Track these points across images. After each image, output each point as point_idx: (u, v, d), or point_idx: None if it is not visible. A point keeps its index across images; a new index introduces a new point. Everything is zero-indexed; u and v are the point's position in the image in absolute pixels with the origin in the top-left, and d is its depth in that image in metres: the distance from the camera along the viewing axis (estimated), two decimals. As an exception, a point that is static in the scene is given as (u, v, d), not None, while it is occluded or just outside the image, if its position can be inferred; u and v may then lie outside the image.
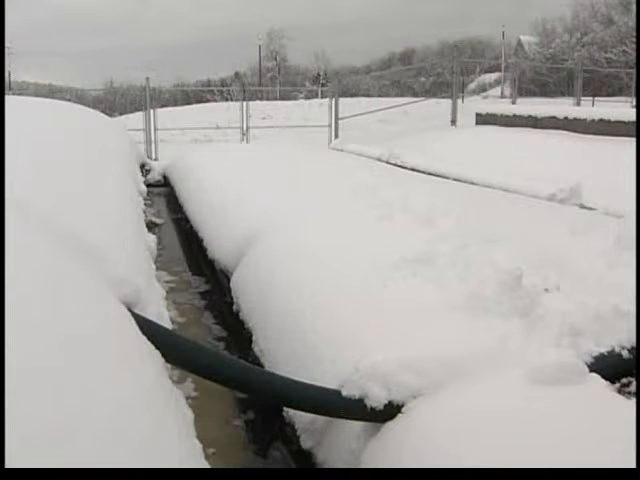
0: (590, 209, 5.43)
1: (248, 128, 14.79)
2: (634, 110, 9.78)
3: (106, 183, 4.89)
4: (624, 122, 9.78)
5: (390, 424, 2.29)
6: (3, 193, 2.28)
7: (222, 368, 2.51)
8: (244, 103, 14.83)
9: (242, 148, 11.36)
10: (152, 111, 13.82)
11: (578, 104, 16.56)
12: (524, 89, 25.45)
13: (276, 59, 56.13)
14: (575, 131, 10.32)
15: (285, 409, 2.94)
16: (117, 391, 1.72)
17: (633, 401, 2.34)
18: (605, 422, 2.08)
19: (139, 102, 15.27)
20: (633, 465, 1.74)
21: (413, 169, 8.55)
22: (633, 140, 9.09)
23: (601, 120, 10.21)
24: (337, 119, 14.77)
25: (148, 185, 9.45)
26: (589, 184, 5.87)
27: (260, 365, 3.30)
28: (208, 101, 30.04)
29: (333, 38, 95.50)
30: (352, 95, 26.11)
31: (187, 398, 3.33)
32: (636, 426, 1.79)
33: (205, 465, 2.09)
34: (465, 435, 2.06)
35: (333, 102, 14.95)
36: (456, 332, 2.61)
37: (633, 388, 2.58)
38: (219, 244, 5.22)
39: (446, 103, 14.84)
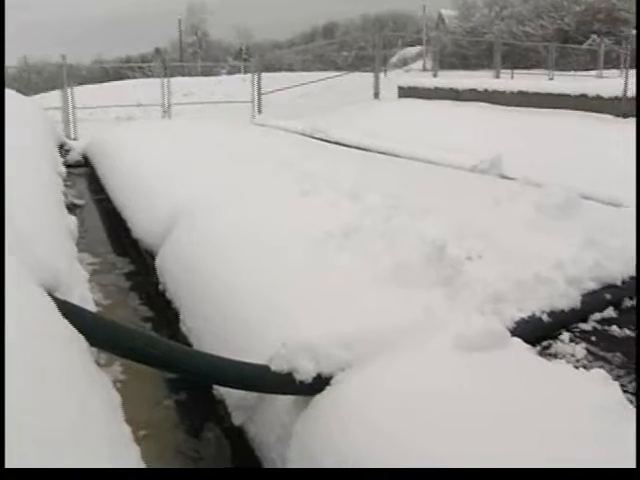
0: (510, 179, 5.56)
1: (170, 105, 14.51)
2: (551, 82, 10.06)
3: (21, 164, 4.71)
4: (542, 94, 10.06)
5: (319, 397, 2.30)
6: (3, 193, 2.21)
7: (149, 349, 2.46)
8: (165, 80, 14.52)
9: (164, 126, 11.13)
10: (69, 89, 13.38)
11: (498, 77, 16.89)
12: (445, 62, 25.75)
13: (197, 34, 55.10)
14: (495, 103, 10.55)
15: (215, 387, 2.93)
16: (37, 377, 1.67)
17: (553, 362, 2.43)
18: (528, 382, 2.15)
19: (56, 80, 14.74)
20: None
21: (337, 143, 8.56)
22: (551, 111, 9.38)
23: (520, 92, 10.46)
24: (260, 94, 14.65)
25: (68, 166, 9.16)
26: (509, 154, 6.00)
27: (188, 344, 3.27)
28: (128, 78, 29.28)
29: (255, 12, 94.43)
30: (275, 70, 25.88)
31: (115, 381, 3.28)
32: (636, 426, 1.82)
33: (134, 448, 2.06)
34: (391, 407, 2.08)
35: (256, 77, 14.80)
36: (383, 304, 2.64)
37: (553, 350, 2.68)
38: (143, 224, 5.12)
39: (369, 77, 14.89)
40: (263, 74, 15.21)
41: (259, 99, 14.63)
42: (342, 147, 8.08)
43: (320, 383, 2.33)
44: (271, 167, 5.41)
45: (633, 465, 1.76)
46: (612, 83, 9.48)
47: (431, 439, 1.92)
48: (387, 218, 3.44)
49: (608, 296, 3.06)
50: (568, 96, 9.62)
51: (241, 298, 3.14)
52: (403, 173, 5.42)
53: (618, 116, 8.83)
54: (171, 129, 9.90)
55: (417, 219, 3.35)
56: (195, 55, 50.01)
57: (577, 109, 9.28)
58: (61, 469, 1.45)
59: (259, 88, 14.70)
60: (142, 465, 2.07)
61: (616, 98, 8.93)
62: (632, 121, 8.46)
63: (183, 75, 24.75)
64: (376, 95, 14.29)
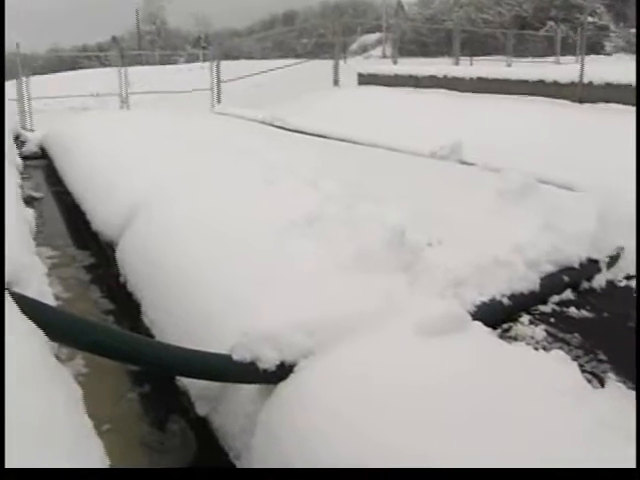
0: (470, 164, 5.60)
1: (128, 95, 14.31)
2: (509, 68, 10.16)
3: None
4: (500, 80, 10.15)
5: (283, 385, 2.31)
6: (3, 192, 2.16)
7: (111, 342, 2.43)
8: (123, 69, 14.31)
9: (122, 116, 10.98)
10: (24, 79, 13.11)
11: (457, 64, 16.98)
12: (405, 49, 25.84)
13: (155, 22, 54.33)
14: (454, 89, 10.62)
15: (178, 378, 2.91)
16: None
17: (513, 344, 2.46)
18: (488, 365, 2.18)
19: (10, 70, 14.43)
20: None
21: (298, 131, 8.54)
22: (509, 97, 9.48)
23: (479, 78, 10.55)
24: (219, 83, 14.53)
25: (24, 157, 8.99)
26: (469, 140, 6.05)
27: (151, 336, 3.25)
28: (85, 68, 28.79)
29: (213, 0, 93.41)
30: (234, 58, 25.69)
31: (77, 376, 3.25)
32: (636, 425, 1.83)
33: (96, 441, 2.04)
34: (352, 394, 2.09)
35: (215, 66, 14.67)
36: (345, 291, 2.65)
37: (513, 333, 2.72)
38: (102, 216, 5.05)
39: (329, 64, 14.86)
40: (222, 62, 15.08)
41: (218, 88, 14.51)
42: (302, 135, 8.07)
43: (283, 371, 2.34)
44: (231, 156, 5.38)
45: (594, 442, 1.80)
46: (569, 69, 9.59)
47: (390, 426, 1.94)
48: (348, 205, 3.44)
49: (566, 278, 3.12)
50: (526, 82, 9.72)
51: (203, 289, 3.13)
52: (364, 160, 5.44)
53: (575, 101, 8.95)
54: (130, 119, 9.77)
55: (378, 206, 3.35)
56: (153, 44, 49.37)
57: (535, 95, 9.38)
58: (61, 469, 1.44)
59: (218, 77, 14.57)
60: (105, 459, 2.05)
61: (572, 84, 9.04)
62: (588, 106, 8.61)
63: (141, 64, 24.45)
64: (336, 82, 14.27)
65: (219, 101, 14.25)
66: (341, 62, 15.13)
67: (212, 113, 12.99)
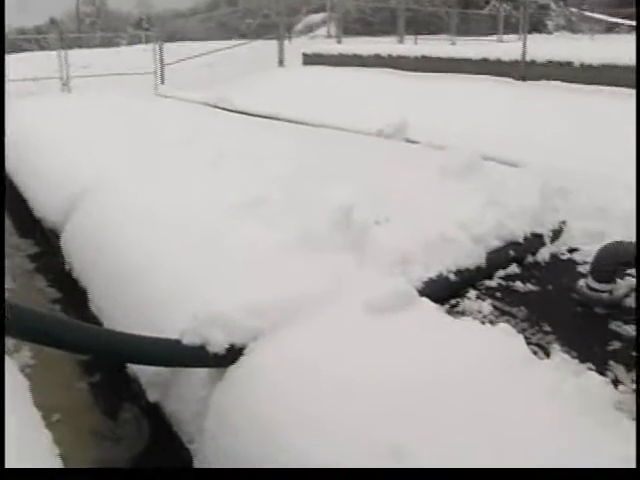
0: (415, 143, 5.63)
1: (69, 78, 13.95)
2: (453, 47, 10.23)
3: None
4: (444, 59, 10.21)
5: (233, 368, 2.30)
6: (3, 193, 2.09)
7: (57, 331, 2.37)
8: (63, 52, 13.93)
9: (63, 100, 10.71)
10: (-42, 64, 12.66)
11: (402, 42, 17.01)
12: (349, 29, 25.73)
13: (94, 4, 52.97)
14: (399, 68, 10.65)
15: (129, 365, 2.88)
16: None
17: (461, 319, 2.50)
18: (436, 340, 2.21)
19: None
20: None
21: (243, 112, 8.45)
22: (453, 75, 9.55)
23: (423, 57, 10.59)
24: (162, 65, 14.28)
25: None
26: (414, 119, 6.08)
27: (99, 324, 3.20)
28: (23, 51, 27.97)
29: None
30: (178, 40, 25.24)
31: (24, 367, 3.19)
32: (636, 424, 1.86)
33: (45, 432, 2.01)
34: (302, 375, 2.11)
35: (157, 47, 14.41)
36: (293, 271, 2.65)
37: (461, 308, 2.76)
38: (45, 203, 4.94)
39: (273, 45, 14.73)
40: (165, 44, 14.81)
41: (162, 70, 14.25)
42: (248, 116, 7.99)
43: (234, 354, 2.33)
44: (176, 140, 5.30)
45: (542, 410, 1.85)
46: (512, 47, 9.69)
47: (339, 407, 1.96)
48: (295, 186, 3.43)
49: (511, 253, 3.17)
50: (470, 61, 9.80)
51: (151, 274, 3.09)
52: (310, 140, 5.42)
53: (517, 79, 9.06)
54: (70, 104, 9.54)
55: (325, 186, 3.36)
56: (93, 26, 48.13)
57: (479, 73, 9.47)
58: (61, 469, 1.41)
59: (161, 59, 14.31)
60: (54, 449, 2.02)
61: (516, 62, 9.15)
62: (531, 84, 8.73)
63: (81, 47, 23.83)
64: (281, 63, 14.16)
65: (163, 83, 14.00)
66: (286, 42, 15.02)
67: (156, 96, 12.77)
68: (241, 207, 3.32)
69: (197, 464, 2.35)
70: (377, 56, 11.31)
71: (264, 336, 2.33)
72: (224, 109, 8.90)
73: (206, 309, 2.44)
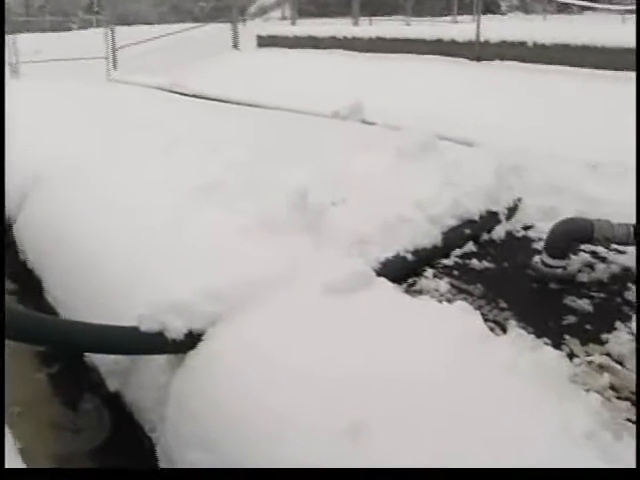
0: (371, 124, 5.64)
1: (18, 64, 13.62)
2: (408, 27, 10.24)
3: None
4: (400, 39, 10.21)
5: (192, 354, 2.29)
6: (3, 184, 2.04)
7: (13, 323, 2.32)
8: (11, 36, 13.57)
9: (12, 87, 10.46)
10: None
11: (356, 24, 16.97)
12: (304, 10, 25.56)
13: (43, -13, 51.76)
14: (355, 50, 10.61)
15: (87, 355, 2.85)
16: None
17: (418, 298, 2.52)
18: (394, 319, 2.23)
19: None
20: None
21: (198, 96, 8.36)
22: (408, 56, 9.56)
23: (378, 38, 10.57)
24: (115, 49, 14.02)
25: None
26: (370, 100, 6.07)
27: (55, 314, 3.15)
28: (-31, 37, 27.14)
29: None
30: (130, 23, 24.81)
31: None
32: (636, 425, 1.88)
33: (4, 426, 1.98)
34: (263, 360, 2.11)
35: (109, 31, 14.13)
36: (251, 255, 2.63)
37: (418, 287, 2.78)
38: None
39: (227, 27, 14.56)
40: (118, 28, 14.54)
41: (114, 54, 14.00)
42: (203, 100, 7.91)
43: (192, 339, 2.32)
44: (131, 125, 5.22)
45: (500, 384, 1.88)
46: (466, 28, 9.72)
47: (297, 391, 1.97)
48: (251, 170, 3.41)
49: (467, 231, 3.20)
50: (424, 41, 9.80)
51: (108, 262, 3.05)
52: (266, 123, 5.38)
53: (472, 60, 9.11)
54: (21, 90, 9.32)
55: (281, 168, 3.35)
56: (42, 9, 47.04)
57: (433, 54, 9.48)
58: (61, 469, 1.38)
59: (113, 42, 14.05)
60: (13, 443, 2.00)
61: (470, 42, 9.18)
62: (485, 64, 8.78)
63: (30, 31, 23.26)
64: (235, 46, 14.01)
65: (115, 68, 13.76)
66: (240, 25, 14.87)
67: (109, 81, 12.55)
68: (198, 192, 3.28)
69: (159, 452, 2.34)
70: (332, 38, 11.25)
71: (222, 321, 2.32)
72: (179, 93, 8.80)
73: (164, 295, 2.42)
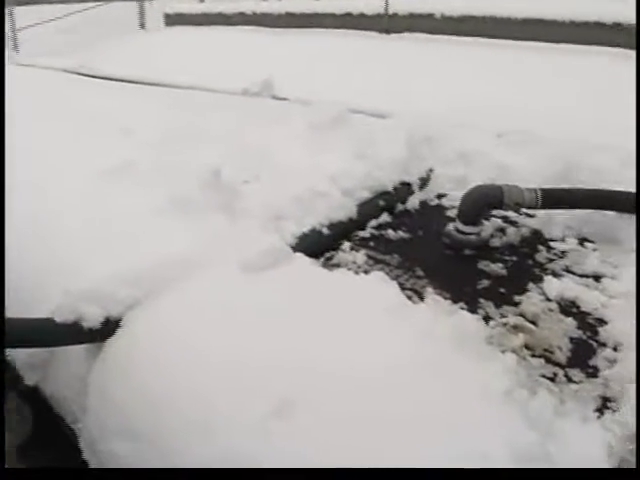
0: (282, 99, 5.60)
1: None
2: (317, 2, 10.18)
3: None
4: (309, 14, 10.19)
5: (111, 341, 2.24)
6: (3, 188, 1.89)
7: None
8: None
9: None
10: None
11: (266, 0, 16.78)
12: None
13: None
14: (265, 26, 10.53)
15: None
16: None
17: (336, 271, 2.53)
18: (313, 293, 2.25)
19: None
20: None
21: (106, 78, 8.11)
22: (318, 30, 9.54)
23: (288, 14, 10.51)
24: (15, 31, 13.44)
25: None
26: (281, 76, 6.04)
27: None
28: None
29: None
30: (31, 3, 23.80)
31: None
32: (636, 426, 1.88)
33: None
34: (183, 343, 2.09)
35: (8, 12, 13.52)
36: (166, 236, 2.59)
37: (336, 260, 2.80)
38: None
39: (133, 6, 14.15)
40: (17, 8, 13.92)
41: (14, 36, 13.42)
42: (112, 82, 7.69)
43: (110, 327, 2.26)
44: (40, 107, 5.03)
45: (418, 350, 1.91)
46: (374, 1, 9.75)
47: (217, 374, 1.96)
48: (163, 150, 3.35)
49: (382, 203, 3.24)
50: (333, 15, 9.80)
51: (18, 251, 2.94)
52: (176, 103, 5.28)
53: (381, 32, 9.17)
54: None
55: (193, 147, 3.30)
56: None
57: (343, 27, 9.50)
58: (60, 469, 1.31)
59: (13, 24, 13.46)
60: None
61: (379, 15, 9.23)
62: (394, 36, 8.86)
63: None
64: (142, 25, 13.65)
65: (17, 51, 13.20)
66: (146, 3, 14.47)
67: (10, 64, 12.03)
68: (109, 174, 3.20)
69: (82, 444, 2.29)
70: (241, 14, 11.12)
71: (140, 306, 2.28)
72: (87, 75, 8.51)
73: (78, 283, 2.35)
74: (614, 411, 1.97)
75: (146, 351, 2.11)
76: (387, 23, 9.12)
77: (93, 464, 2.17)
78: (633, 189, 3.13)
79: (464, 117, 4.28)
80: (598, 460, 1.76)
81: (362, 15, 9.56)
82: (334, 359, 1.90)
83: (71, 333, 2.27)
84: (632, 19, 6.72)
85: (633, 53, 6.57)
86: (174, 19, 12.46)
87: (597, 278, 2.71)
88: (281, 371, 1.89)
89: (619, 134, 3.93)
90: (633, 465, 1.74)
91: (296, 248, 2.56)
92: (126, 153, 3.43)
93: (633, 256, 2.84)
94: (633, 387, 2.05)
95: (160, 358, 2.06)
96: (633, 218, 3.04)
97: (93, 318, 2.24)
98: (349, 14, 9.71)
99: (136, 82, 7.48)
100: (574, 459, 1.73)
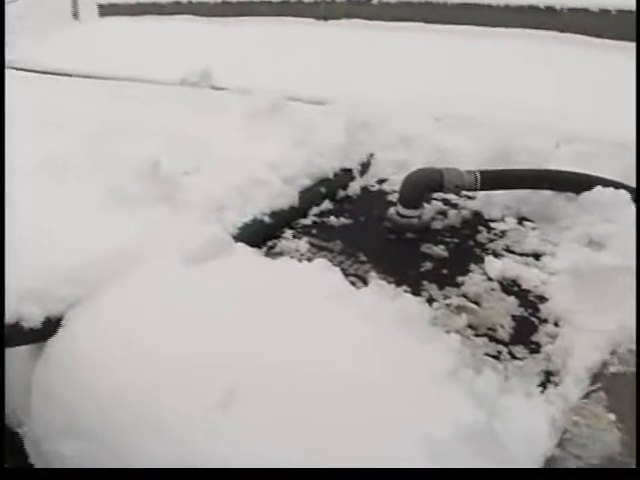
0: (221, 89, 5.54)
1: None
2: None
3: None
4: (244, 2, 10.08)
5: (53, 341, 2.20)
6: (3, 184, 2.20)
7: None
8: None
9: None
10: None
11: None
12: (146, -24, 24.68)
13: None
14: (201, 15, 10.39)
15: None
16: None
17: (279, 260, 2.53)
18: (256, 282, 2.24)
19: None
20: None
21: (39, 72, 7.88)
22: (255, 19, 9.46)
23: (224, 2, 10.38)
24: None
25: None
26: (219, 64, 5.97)
27: None
28: None
29: None
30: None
31: None
32: (636, 427, 1.87)
33: None
34: (125, 340, 2.06)
35: None
36: (105, 231, 2.53)
37: (278, 249, 2.80)
38: None
39: (64, -4, 13.79)
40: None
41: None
42: (44, 75, 7.49)
43: (51, 326, 2.22)
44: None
45: (361, 334, 1.93)
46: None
47: (162, 369, 1.94)
48: (100, 143, 3.28)
49: (323, 190, 3.24)
50: (270, 3, 9.72)
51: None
52: (113, 95, 5.18)
53: (319, 19, 9.15)
54: None
55: (130, 140, 3.24)
56: None
57: (281, 15, 9.45)
58: (61, 469, 1.50)
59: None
60: None
61: (316, 2, 9.20)
62: (332, 23, 8.85)
63: None
64: (75, 15, 13.30)
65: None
66: (78, -7, 14.11)
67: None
68: (43, 170, 3.11)
69: (28, 446, 2.25)
70: (177, 3, 10.94)
71: (81, 303, 2.24)
72: (18, 69, 8.28)
73: (17, 282, 2.29)
74: (557, 385, 2.03)
75: (89, 349, 2.08)
76: (324, 10, 9.10)
77: (39, 466, 2.14)
78: (567, 168, 3.22)
79: (403, 102, 4.32)
80: (542, 434, 1.80)
81: (299, 2, 9.51)
82: (279, 349, 1.90)
83: (11, 334, 2.21)
84: (565, 3, 6.89)
85: (566, 36, 6.74)
86: (108, 9, 12.18)
87: (537, 256, 2.78)
88: (226, 364, 1.88)
89: (551, 115, 4.03)
90: (574, 437, 1.79)
91: (238, 238, 2.55)
92: (59, 147, 3.35)
93: (569, 233, 2.92)
94: (574, 360, 2.12)
95: (103, 356, 2.03)
96: (569, 196, 3.12)
97: (34, 318, 2.19)
98: (286, 1, 9.65)
99: (70, 75, 7.31)
100: (519, 435, 1.77)
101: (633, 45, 6.15)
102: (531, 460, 1.72)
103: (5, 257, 2.57)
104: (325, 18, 9.12)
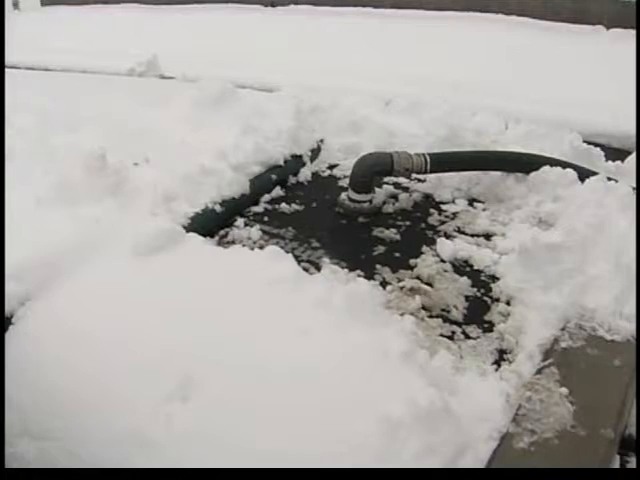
0: (169, 78, 5.48)
1: None
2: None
3: None
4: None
5: (6, 338, 2.14)
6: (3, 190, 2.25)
7: None
8: None
9: None
10: None
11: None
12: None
13: None
14: (146, 2, 10.26)
15: None
16: None
17: (231, 248, 2.50)
18: (208, 271, 2.22)
19: None
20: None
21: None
22: (203, 6, 9.37)
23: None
24: None
25: None
26: (165, 53, 5.90)
27: None
28: None
29: None
30: None
31: None
32: (636, 424, 1.89)
33: None
34: (76, 335, 2.03)
35: None
36: (52, 226, 2.46)
37: (230, 238, 2.78)
38: None
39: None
40: None
41: None
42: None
43: (3, 324, 2.16)
44: None
45: (313, 318, 1.92)
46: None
47: (118, 362, 1.92)
48: (43, 136, 3.18)
49: (274, 177, 3.22)
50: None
51: None
52: (56, 86, 5.05)
53: (267, 6, 9.12)
54: None
55: (75, 132, 3.16)
56: None
57: (227, 2, 9.38)
58: (61, 469, 1.51)
59: None
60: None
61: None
62: (280, 9, 8.84)
63: None
64: (16, 4, 12.95)
65: None
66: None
67: None
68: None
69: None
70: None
71: (31, 300, 2.18)
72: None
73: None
74: (510, 362, 2.06)
75: (41, 346, 2.04)
76: (272, -5, 9.08)
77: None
78: (514, 149, 3.26)
79: (351, 86, 4.31)
80: (497, 411, 1.83)
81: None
82: (231, 337, 1.89)
83: None
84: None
85: (514, 19, 6.83)
86: (50, -2, 11.93)
87: (487, 237, 2.81)
88: (179, 353, 1.87)
89: (499, 96, 4.08)
90: (528, 412, 1.82)
91: (189, 228, 2.52)
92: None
93: (518, 213, 2.96)
94: (526, 337, 2.15)
95: (56, 352, 2.00)
96: (518, 176, 3.16)
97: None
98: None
99: (10, 67, 7.12)
100: (474, 412, 1.79)
101: (578, 27, 6.28)
102: (486, 437, 1.74)
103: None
104: (273, 4, 9.09)
